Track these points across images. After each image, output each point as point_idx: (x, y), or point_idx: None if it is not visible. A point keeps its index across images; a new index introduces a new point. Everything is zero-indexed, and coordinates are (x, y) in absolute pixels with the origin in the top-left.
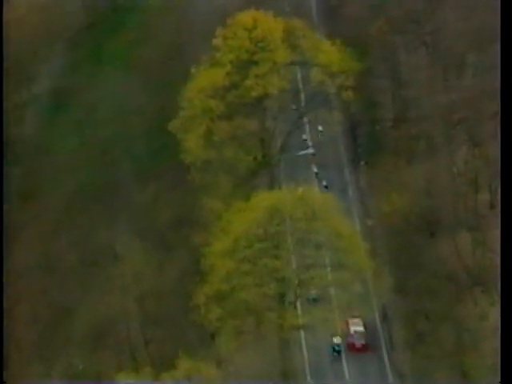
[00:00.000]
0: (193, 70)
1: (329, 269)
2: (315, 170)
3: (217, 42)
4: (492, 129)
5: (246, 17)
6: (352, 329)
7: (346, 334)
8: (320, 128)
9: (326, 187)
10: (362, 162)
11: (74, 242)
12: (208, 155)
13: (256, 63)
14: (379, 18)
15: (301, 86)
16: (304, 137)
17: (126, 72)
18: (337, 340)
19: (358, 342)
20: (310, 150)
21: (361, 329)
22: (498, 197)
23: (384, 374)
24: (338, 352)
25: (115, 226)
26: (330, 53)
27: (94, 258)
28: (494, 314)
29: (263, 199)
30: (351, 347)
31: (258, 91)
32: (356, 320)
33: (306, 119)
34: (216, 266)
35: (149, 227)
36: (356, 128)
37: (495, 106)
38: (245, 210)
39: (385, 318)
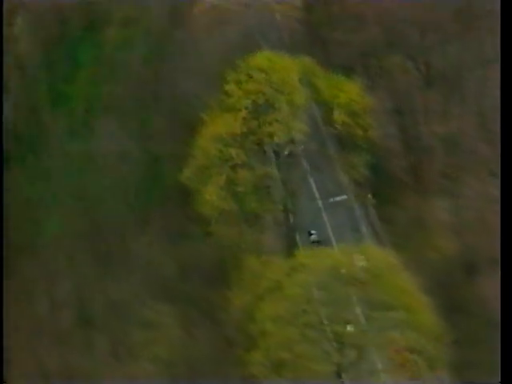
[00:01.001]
0: (204, 117)
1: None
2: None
3: (230, 87)
4: None
5: (261, 58)
6: None
7: None
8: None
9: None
10: (370, 195)
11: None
12: (230, 206)
13: (274, 107)
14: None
15: (322, 127)
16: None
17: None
18: None
19: None
20: (344, 196)
21: None
22: None
23: None
24: None
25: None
26: (350, 91)
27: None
28: None
29: (318, 258)
30: None
31: (279, 136)
32: None
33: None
34: (271, 332)
35: (174, 287)
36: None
37: None
38: (297, 271)
39: None
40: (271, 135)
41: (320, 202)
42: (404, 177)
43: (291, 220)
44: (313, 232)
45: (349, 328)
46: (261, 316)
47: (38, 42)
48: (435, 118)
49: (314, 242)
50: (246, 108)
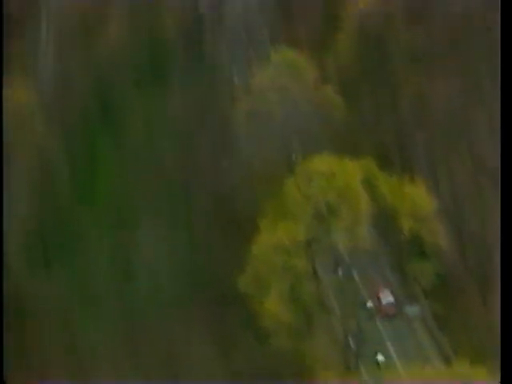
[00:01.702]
0: (261, 224)
1: None
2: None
3: (290, 192)
4: None
5: (321, 161)
6: None
7: None
8: None
9: None
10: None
11: None
12: (292, 318)
13: (337, 213)
14: None
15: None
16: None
17: None
18: None
19: None
20: (414, 307)
21: None
22: None
23: None
24: None
25: None
26: (414, 194)
27: None
28: None
29: None
30: None
31: (344, 244)
32: None
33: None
34: None
35: None
36: None
37: None
38: None
39: None
40: (336, 243)
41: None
42: (469, 285)
43: (353, 341)
44: (379, 355)
45: None
46: None
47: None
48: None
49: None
50: (308, 214)
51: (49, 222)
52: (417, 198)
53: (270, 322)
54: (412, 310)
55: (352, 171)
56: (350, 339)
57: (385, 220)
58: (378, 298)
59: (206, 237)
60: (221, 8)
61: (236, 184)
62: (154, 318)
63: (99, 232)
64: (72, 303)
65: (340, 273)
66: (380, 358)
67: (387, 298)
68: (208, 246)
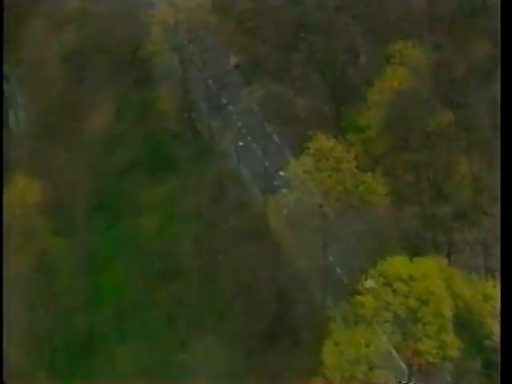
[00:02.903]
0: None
1: None
2: None
3: (365, 298)
4: None
5: (399, 264)
6: None
7: None
8: None
9: None
10: None
11: None
12: None
13: (419, 320)
14: None
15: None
16: None
17: None
18: None
19: None
20: None
21: None
22: None
23: None
24: None
25: None
26: (495, 297)
27: None
28: None
29: None
30: None
31: (431, 355)
32: None
33: None
34: None
35: None
36: None
37: None
38: None
39: None
40: (421, 353)
41: None
42: None
43: None
44: None
45: None
46: None
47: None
48: None
49: None
50: (387, 322)
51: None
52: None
53: None
54: None
55: (433, 274)
56: None
57: (468, 323)
58: None
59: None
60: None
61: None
62: None
63: None
64: None
65: None
66: None
67: None
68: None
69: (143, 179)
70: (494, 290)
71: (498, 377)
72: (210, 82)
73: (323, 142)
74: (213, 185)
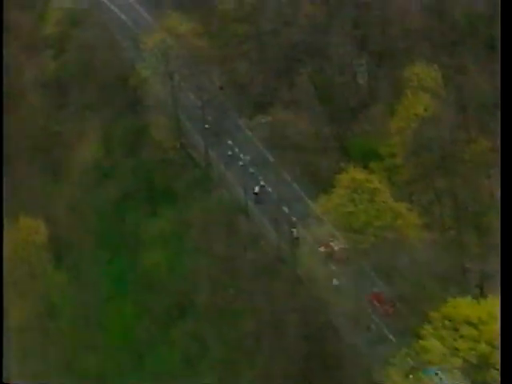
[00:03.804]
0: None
1: None
2: None
3: (430, 343)
4: None
5: (467, 306)
6: None
7: None
8: None
9: None
10: None
11: None
12: None
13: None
14: None
15: None
16: None
17: None
18: None
19: None
20: None
21: None
22: None
23: None
24: None
25: None
26: None
27: None
28: None
29: None
30: None
31: None
32: None
33: None
34: None
35: None
36: None
37: None
38: None
39: None
40: None
41: None
42: None
43: None
44: None
45: None
46: None
47: None
48: None
49: None
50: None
51: None
52: None
53: None
54: None
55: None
56: None
57: None
58: None
59: None
60: None
61: None
62: None
63: None
64: None
65: None
66: None
67: None
68: None
69: (140, 211)
70: None
71: None
72: (202, 106)
73: (356, 173)
74: (218, 217)
